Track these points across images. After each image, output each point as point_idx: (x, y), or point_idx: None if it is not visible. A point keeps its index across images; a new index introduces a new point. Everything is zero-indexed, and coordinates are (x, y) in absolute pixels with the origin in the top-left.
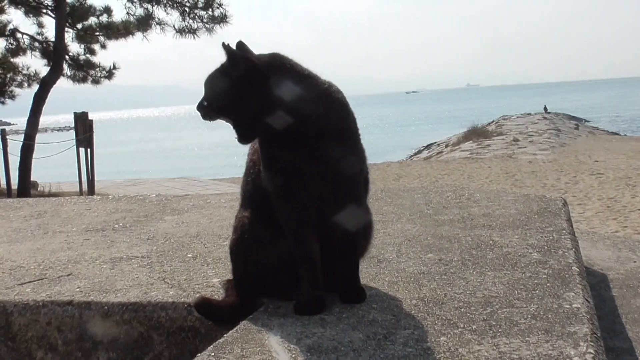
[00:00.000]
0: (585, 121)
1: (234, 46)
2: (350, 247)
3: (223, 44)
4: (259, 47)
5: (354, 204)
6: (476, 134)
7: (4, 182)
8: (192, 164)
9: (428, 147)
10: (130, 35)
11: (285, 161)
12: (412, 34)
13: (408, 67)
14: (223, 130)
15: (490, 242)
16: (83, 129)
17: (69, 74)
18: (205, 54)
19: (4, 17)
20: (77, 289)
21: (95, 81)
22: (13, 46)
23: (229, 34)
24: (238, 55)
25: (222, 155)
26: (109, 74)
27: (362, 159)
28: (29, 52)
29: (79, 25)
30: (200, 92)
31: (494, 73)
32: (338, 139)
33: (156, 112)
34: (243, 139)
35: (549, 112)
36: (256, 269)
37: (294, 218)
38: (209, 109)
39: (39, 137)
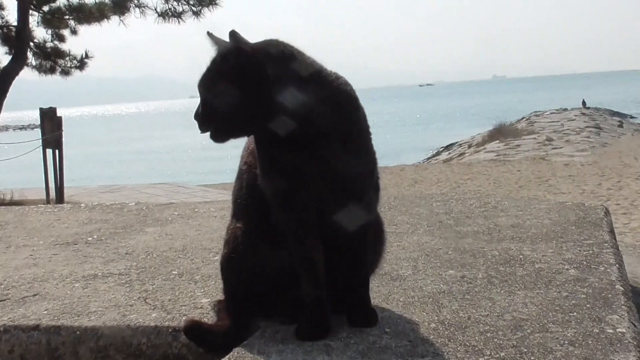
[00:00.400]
0: (631, 117)
1: (225, 37)
2: (358, 259)
3: (208, 33)
4: (254, 35)
5: (363, 211)
6: (503, 132)
7: None
8: (177, 167)
9: (448, 147)
10: (105, 20)
11: (285, 161)
12: (426, 20)
13: (422, 58)
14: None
15: (520, 256)
16: (50, 127)
17: (34, 63)
18: (193, 42)
19: None
20: (45, 312)
21: (65, 72)
22: None
23: (220, 19)
24: (227, 45)
25: (212, 157)
26: (81, 64)
27: (373, 161)
28: None
29: (46, 8)
30: (187, 85)
31: (523, 63)
32: (345, 138)
33: (136, 107)
34: (218, 137)
35: (588, 107)
36: (251, 288)
37: (294, 218)
38: (205, 116)
39: None
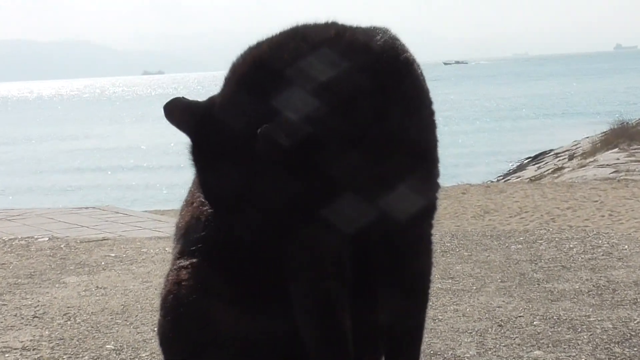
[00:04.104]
0: None
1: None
2: (411, 335)
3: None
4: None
5: (421, 260)
6: (626, 135)
7: None
8: (114, 182)
9: (537, 158)
10: None
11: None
12: None
13: (480, 21)
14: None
15: None
16: None
17: None
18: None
19: None
20: None
21: None
22: None
23: None
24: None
25: (168, 167)
26: None
27: (436, 175)
28: None
29: None
30: (135, 56)
31: None
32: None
33: (54, 86)
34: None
35: None
36: None
37: (319, 239)
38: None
39: None
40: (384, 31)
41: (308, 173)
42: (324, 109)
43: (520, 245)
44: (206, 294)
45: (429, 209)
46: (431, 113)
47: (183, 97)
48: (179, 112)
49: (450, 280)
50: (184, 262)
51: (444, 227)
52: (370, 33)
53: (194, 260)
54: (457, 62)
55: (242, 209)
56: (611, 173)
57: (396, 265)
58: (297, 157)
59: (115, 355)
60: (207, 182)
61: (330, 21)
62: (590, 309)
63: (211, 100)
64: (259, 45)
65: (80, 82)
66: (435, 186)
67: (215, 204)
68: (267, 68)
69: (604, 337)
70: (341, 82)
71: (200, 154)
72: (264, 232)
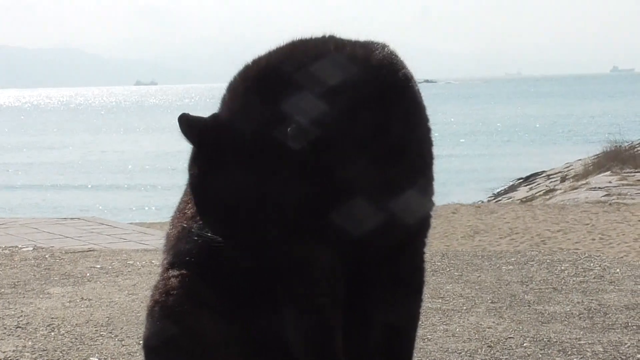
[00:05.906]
0: None
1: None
2: (402, 352)
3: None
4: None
5: (412, 281)
6: (618, 159)
7: None
8: (101, 193)
9: (528, 179)
10: None
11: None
12: None
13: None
14: (158, 133)
15: (639, 356)
16: None
17: None
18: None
19: None
20: None
21: None
22: None
23: None
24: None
25: (154, 179)
26: None
27: (431, 193)
28: None
29: None
30: (123, 61)
31: None
32: (392, 157)
33: (39, 94)
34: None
35: None
36: None
37: (316, 261)
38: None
39: None
40: (382, 46)
41: (318, 175)
42: (329, 115)
43: (511, 267)
44: (196, 304)
45: (424, 226)
46: (428, 129)
47: (187, 113)
48: (185, 125)
49: (440, 300)
50: (174, 272)
51: (434, 246)
52: (369, 47)
53: (184, 271)
54: (427, 81)
55: (245, 214)
56: (603, 196)
57: (389, 282)
58: (309, 159)
59: None
60: (210, 189)
61: (327, 35)
62: (581, 332)
63: (214, 115)
64: (258, 61)
65: (70, 90)
66: (430, 203)
67: (215, 211)
68: (271, 78)
69: None
70: (341, 95)
71: (203, 163)
72: (266, 237)
